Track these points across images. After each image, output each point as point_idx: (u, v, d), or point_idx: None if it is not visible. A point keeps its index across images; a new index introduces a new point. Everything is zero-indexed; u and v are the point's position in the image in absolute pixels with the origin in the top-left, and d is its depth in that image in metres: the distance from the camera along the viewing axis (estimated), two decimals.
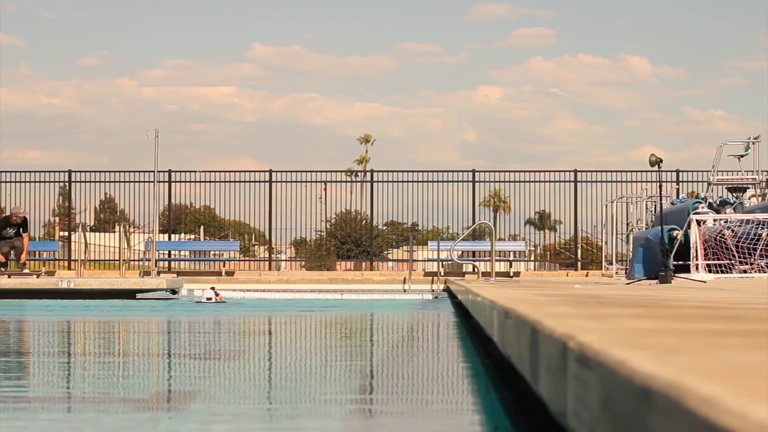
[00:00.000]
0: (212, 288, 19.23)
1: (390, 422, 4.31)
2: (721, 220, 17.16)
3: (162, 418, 4.42)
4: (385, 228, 39.08)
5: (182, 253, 29.67)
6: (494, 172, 29.62)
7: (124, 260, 23.75)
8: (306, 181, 29.35)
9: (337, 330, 11.34)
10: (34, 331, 10.81)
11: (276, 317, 13.89)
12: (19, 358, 7.46)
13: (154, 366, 6.95)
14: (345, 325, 12.34)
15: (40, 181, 29.27)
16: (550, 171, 29.24)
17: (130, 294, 19.52)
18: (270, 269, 28.72)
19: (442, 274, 24.04)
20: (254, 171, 29.44)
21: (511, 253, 26.35)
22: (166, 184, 28.92)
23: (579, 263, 29.13)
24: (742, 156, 21.80)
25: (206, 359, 7.32)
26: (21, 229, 21.66)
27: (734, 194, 20.58)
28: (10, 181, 29.41)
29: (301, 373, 6.37)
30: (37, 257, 28.18)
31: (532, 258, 32.43)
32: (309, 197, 29.45)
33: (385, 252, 39.06)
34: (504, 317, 4.25)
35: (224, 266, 26.73)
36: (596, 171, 28.85)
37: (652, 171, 16.83)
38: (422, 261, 28.52)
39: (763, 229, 16.43)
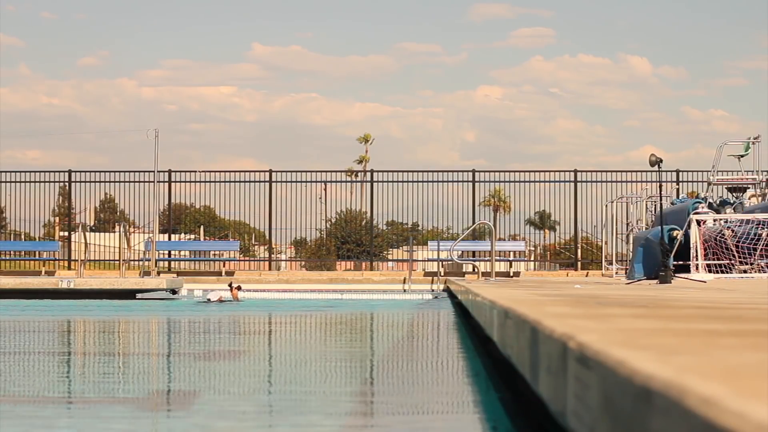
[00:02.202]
0: (230, 284, 19.43)
1: (390, 422, 4.31)
2: (721, 220, 17.16)
3: (160, 417, 4.42)
4: (385, 228, 39.07)
5: (182, 253, 29.67)
6: (494, 172, 29.65)
7: (124, 260, 23.75)
8: (306, 181, 29.35)
9: (337, 330, 11.34)
10: (34, 332, 10.80)
11: (276, 317, 13.89)
12: (17, 358, 7.46)
13: (151, 365, 6.95)
14: (345, 325, 12.34)
15: (40, 181, 29.27)
16: (550, 171, 29.25)
17: (130, 294, 19.52)
18: (270, 269, 28.71)
19: (442, 274, 24.04)
20: (254, 171, 29.47)
21: (511, 253, 26.35)
22: (166, 184, 28.92)
23: (579, 263, 29.12)
24: (742, 156, 21.81)
25: (204, 359, 7.32)
26: None
27: (734, 194, 20.58)
28: (10, 181, 29.41)
29: (301, 373, 6.37)
30: (37, 257, 28.19)
31: (532, 258, 32.43)
32: (309, 197, 29.48)
33: (385, 252, 39.06)
34: (504, 317, 4.25)
35: (224, 266, 26.73)
36: (596, 171, 28.85)
37: (652, 171, 16.84)
38: (422, 261, 28.51)
39: (763, 229, 16.42)
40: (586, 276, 24.92)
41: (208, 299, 18.13)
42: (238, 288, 19.10)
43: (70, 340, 10.02)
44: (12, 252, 28.94)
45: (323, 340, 9.85)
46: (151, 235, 27.91)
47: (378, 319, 13.80)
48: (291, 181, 29.18)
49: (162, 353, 8.23)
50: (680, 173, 28.34)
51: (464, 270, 26.79)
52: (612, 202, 25.79)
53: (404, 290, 22.56)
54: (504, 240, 28.11)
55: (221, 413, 4.48)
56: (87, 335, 10.63)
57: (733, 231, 16.67)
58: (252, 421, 4.31)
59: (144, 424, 4.18)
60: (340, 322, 12.71)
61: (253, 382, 5.97)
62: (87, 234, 24.72)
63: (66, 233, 30.45)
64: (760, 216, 16.67)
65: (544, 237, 37.44)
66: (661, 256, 13.47)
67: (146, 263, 25.69)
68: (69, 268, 27.53)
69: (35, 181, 29.28)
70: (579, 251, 29.55)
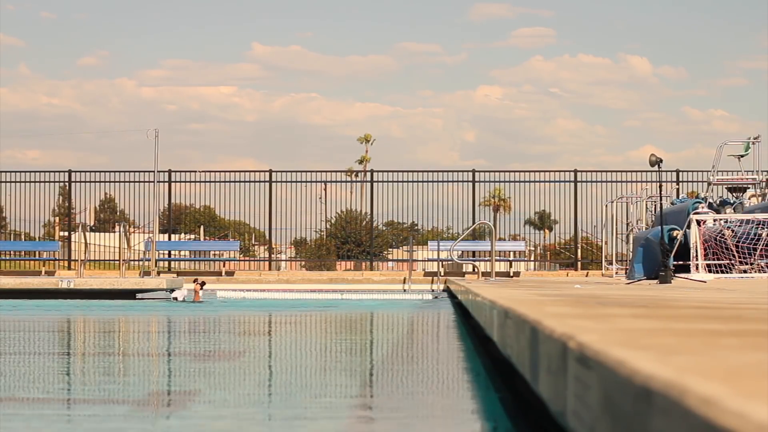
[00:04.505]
0: (195, 279, 19.53)
1: (390, 422, 4.31)
2: (721, 220, 17.15)
3: (157, 417, 4.41)
4: (384, 228, 39.06)
5: (182, 253, 29.67)
6: (494, 172, 29.63)
7: (124, 260, 23.76)
8: (306, 181, 29.36)
9: (337, 330, 11.34)
10: (32, 331, 10.81)
11: (274, 317, 13.88)
12: (16, 358, 7.46)
13: (149, 365, 6.95)
14: (344, 325, 12.33)
15: (40, 181, 29.27)
16: (550, 171, 29.25)
17: (130, 294, 19.52)
18: (270, 269, 28.71)
19: (442, 274, 24.03)
20: (254, 171, 29.46)
21: (511, 253, 26.35)
22: (166, 184, 28.92)
23: (579, 263, 29.12)
24: (742, 156, 21.80)
25: (202, 359, 7.32)
26: None
27: (734, 194, 20.57)
28: (10, 181, 29.41)
29: (302, 374, 6.37)
30: (37, 257, 28.19)
31: (532, 258, 32.43)
32: (309, 197, 29.48)
33: (385, 252, 39.05)
34: (504, 317, 4.25)
35: (224, 266, 26.72)
36: (596, 171, 28.85)
37: (652, 171, 16.85)
38: (422, 261, 28.51)
39: (763, 229, 16.42)
40: (586, 276, 24.91)
41: (174, 299, 18.49)
42: (202, 285, 19.22)
43: (70, 340, 10.02)
44: (12, 252, 28.95)
45: (323, 340, 9.84)
46: (151, 235, 27.91)
47: (378, 319, 13.79)
48: (291, 181, 29.19)
49: (160, 353, 8.22)
50: (680, 173, 28.34)
51: (464, 270, 26.79)
52: (612, 202, 25.78)
53: (404, 290, 22.55)
54: (504, 240, 28.12)
55: (218, 413, 4.48)
56: (87, 335, 10.63)
57: (733, 231, 16.67)
58: (252, 419, 4.30)
59: (141, 423, 4.18)
60: (340, 322, 12.70)
61: (252, 382, 5.96)
62: (87, 234, 24.72)
63: (66, 233, 30.45)
64: (760, 216, 16.67)
65: (544, 237, 37.45)
66: (661, 256, 13.46)
67: (146, 263, 25.68)
68: (69, 268, 27.53)
69: (35, 181, 29.29)
70: (579, 251, 29.55)
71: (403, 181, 28.88)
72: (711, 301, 5.67)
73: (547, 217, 33.43)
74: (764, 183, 20.55)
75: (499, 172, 29.63)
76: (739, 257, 16.43)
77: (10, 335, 10.24)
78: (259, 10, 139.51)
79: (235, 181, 29.22)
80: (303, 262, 33.50)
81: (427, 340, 10.05)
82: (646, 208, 24.10)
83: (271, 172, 28.92)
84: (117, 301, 18.12)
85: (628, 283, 13.28)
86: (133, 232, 30.95)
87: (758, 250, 16.42)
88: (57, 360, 7.35)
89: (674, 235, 16.46)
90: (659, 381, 1.54)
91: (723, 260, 16.43)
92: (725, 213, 18.60)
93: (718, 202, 19.70)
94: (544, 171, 29.28)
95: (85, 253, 24.08)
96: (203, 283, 19.52)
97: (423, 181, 28.89)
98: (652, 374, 1.60)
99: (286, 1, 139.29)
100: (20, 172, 29.69)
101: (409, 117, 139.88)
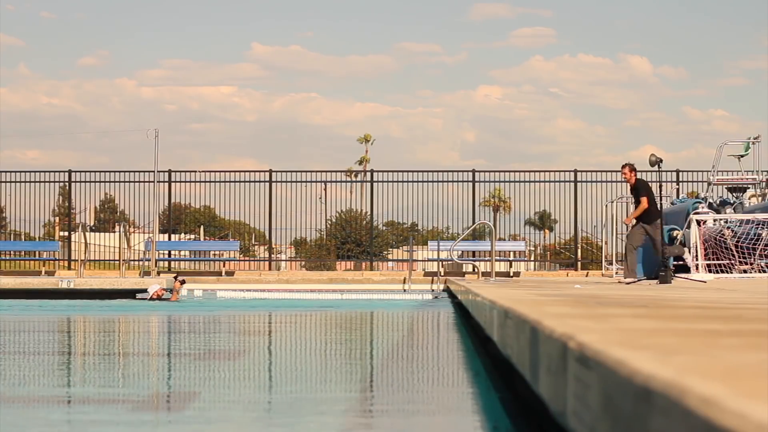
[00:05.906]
0: (175, 276, 19.57)
1: (390, 422, 4.31)
2: (721, 220, 17.16)
3: (156, 416, 4.42)
4: (384, 228, 39.07)
5: (182, 253, 29.66)
6: (494, 172, 29.61)
7: (124, 260, 23.75)
8: (306, 181, 29.34)
9: (337, 330, 11.34)
10: (32, 331, 10.81)
11: (275, 318, 13.88)
12: (15, 357, 7.46)
13: (149, 365, 6.95)
14: (344, 325, 12.33)
15: (40, 181, 29.25)
16: (550, 171, 29.21)
17: (129, 294, 19.52)
18: (270, 269, 28.71)
19: (442, 274, 24.02)
20: (254, 171, 29.44)
21: (511, 253, 26.34)
22: (166, 184, 28.90)
23: (579, 263, 29.12)
24: (742, 156, 21.79)
25: (201, 359, 7.32)
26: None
27: (734, 194, 20.57)
28: (10, 181, 29.39)
29: (302, 374, 6.37)
30: (37, 257, 28.18)
31: (532, 258, 32.42)
32: (309, 197, 29.46)
33: (385, 252, 39.05)
34: (504, 317, 4.25)
35: (224, 266, 26.71)
36: (596, 171, 28.83)
37: (652, 171, 16.82)
38: (422, 261, 28.50)
39: (763, 229, 16.43)
40: (586, 276, 24.91)
41: (142, 296, 18.63)
42: (182, 282, 19.31)
43: (69, 340, 10.02)
44: (12, 252, 28.92)
45: (325, 340, 9.84)
46: (151, 235, 27.90)
47: (378, 319, 13.79)
48: (291, 181, 29.17)
49: (160, 353, 8.22)
50: (680, 173, 28.32)
51: (464, 270, 26.78)
52: (612, 202, 25.76)
53: (404, 290, 22.53)
54: (504, 240, 28.11)
55: (218, 412, 4.48)
56: (86, 335, 10.63)
57: (733, 231, 16.68)
58: (250, 420, 4.30)
59: (140, 423, 4.18)
60: (340, 322, 12.70)
61: (253, 380, 5.97)
62: (87, 234, 24.72)
63: (66, 233, 30.44)
64: (760, 216, 16.67)
65: (544, 237, 37.46)
66: (661, 256, 13.47)
67: (146, 263, 25.67)
68: (69, 268, 27.51)
69: (35, 181, 29.27)
70: (579, 251, 29.54)
71: (403, 181, 28.87)
72: (711, 301, 5.67)
73: (547, 217, 33.44)
74: (764, 183, 20.56)
75: (499, 172, 29.62)
76: (739, 257, 16.43)
77: (9, 335, 10.25)
78: (259, 10, 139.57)
79: (235, 181, 29.21)
80: (303, 262, 33.50)
81: (427, 340, 10.05)
82: None
83: (271, 172, 28.92)
84: (117, 301, 18.12)
85: (628, 283, 13.29)
86: (133, 232, 30.95)
87: (758, 250, 16.43)
88: (59, 360, 7.35)
89: (674, 235, 16.47)
90: (659, 381, 1.54)
91: (723, 260, 16.44)
92: (725, 213, 18.60)
93: (718, 202, 19.70)
94: (544, 171, 29.26)
95: (85, 253, 24.07)
96: (183, 281, 19.63)
97: (423, 181, 28.88)
98: (652, 374, 1.60)
99: (286, 1, 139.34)
100: (20, 172, 29.69)
101: (409, 117, 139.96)
